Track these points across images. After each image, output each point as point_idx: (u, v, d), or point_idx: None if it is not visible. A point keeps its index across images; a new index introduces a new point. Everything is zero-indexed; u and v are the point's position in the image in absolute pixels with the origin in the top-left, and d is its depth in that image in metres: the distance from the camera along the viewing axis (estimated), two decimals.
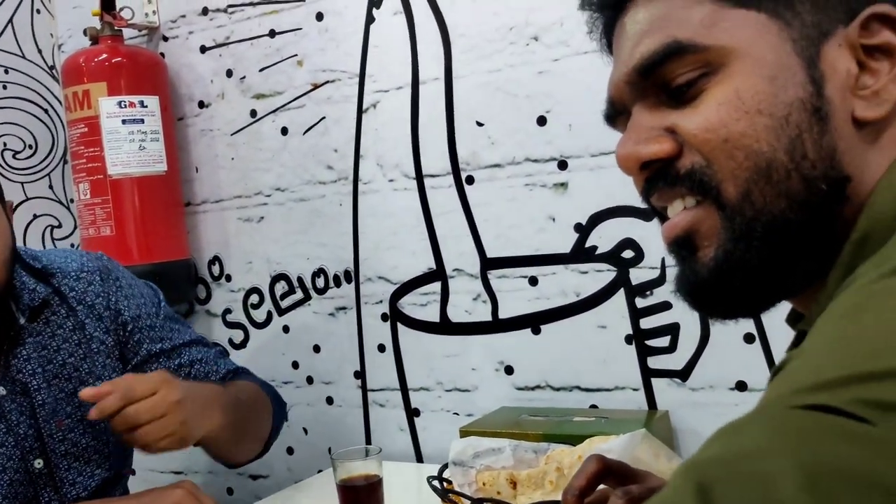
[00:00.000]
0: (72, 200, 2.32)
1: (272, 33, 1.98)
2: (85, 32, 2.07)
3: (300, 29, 1.94)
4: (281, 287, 2.04)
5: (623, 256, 1.62)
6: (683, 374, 1.58)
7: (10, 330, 1.35)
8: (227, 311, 2.14)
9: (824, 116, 0.60)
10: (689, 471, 0.42)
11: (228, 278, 2.12)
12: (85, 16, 2.19)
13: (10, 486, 1.31)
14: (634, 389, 1.63)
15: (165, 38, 2.15)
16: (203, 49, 2.09)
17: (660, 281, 1.58)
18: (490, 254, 1.75)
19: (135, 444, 1.26)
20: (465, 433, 1.54)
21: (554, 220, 1.68)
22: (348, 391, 1.98)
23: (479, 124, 1.74)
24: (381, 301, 1.90)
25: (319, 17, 1.91)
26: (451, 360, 1.82)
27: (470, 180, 1.76)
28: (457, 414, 1.83)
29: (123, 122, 1.98)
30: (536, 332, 1.72)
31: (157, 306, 1.53)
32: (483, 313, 1.77)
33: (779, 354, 1.49)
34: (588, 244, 1.64)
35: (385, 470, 1.42)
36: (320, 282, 1.98)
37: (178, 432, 1.26)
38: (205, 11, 2.08)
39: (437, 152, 1.79)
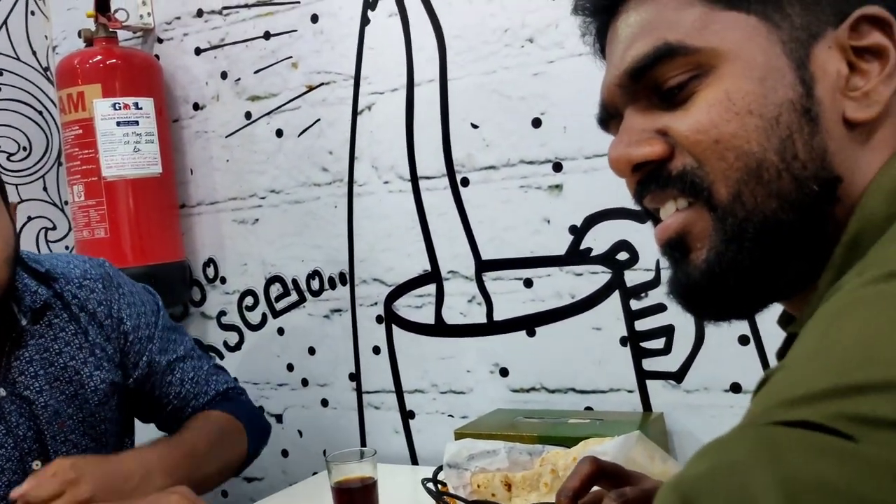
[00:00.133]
0: (66, 202, 2.32)
1: (267, 35, 1.98)
2: (79, 34, 2.07)
3: (295, 31, 1.94)
4: (276, 289, 2.04)
5: (618, 258, 1.62)
6: (678, 375, 1.58)
7: (12, 332, 1.35)
8: (222, 313, 2.13)
9: (814, 117, 0.60)
10: (674, 487, 0.42)
11: (223, 280, 2.12)
12: (79, 17, 2.19)
13: (7, 487, 1.31)
14: (629, 391, 1.63)
15: (160, 40, 2.15)
16: (198, 51, 2.09)
17: (654, 283, 1.59)
18: (485, 256, 1.75)
19: None
20: (459, 435, 1.54)
21: (549, 221, 1.68)
22: (343, 393, 1.97)
23: (474, 126, 1.74)
24: (375, 303, 1.90)
25: (314, 18, 1.91)
26: (445, 362, 1.82)
27: (465, 182, 1.76)
28: (451, 416, 1.83)
29: (118, 123, 1.97)
30: (531, 334, 1.72)
31: (157, 314, 1.53)
32: (478, 315, 1.77)
33: (773, 356, 1.49)
34: (583, 246, 1.64)
35: (380, 472, 1.42)
36: (315, 284, 1.98)
37: None
38: (199, 13, 2.08)
39: (431, 154, 1.79)
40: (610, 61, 0.69)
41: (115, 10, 2.07)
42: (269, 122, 2.00)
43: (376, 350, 1.91)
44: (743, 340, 1.51)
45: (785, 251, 0.61)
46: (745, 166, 0.60)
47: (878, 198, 0.57)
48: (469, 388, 1.80)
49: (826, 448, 0.39)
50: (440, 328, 1.82)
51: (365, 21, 1.85)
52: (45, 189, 2.31)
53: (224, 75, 2.06)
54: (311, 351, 2.01)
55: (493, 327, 1.76)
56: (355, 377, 1.95)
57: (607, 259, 1.63)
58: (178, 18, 2.12)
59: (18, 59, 2.30)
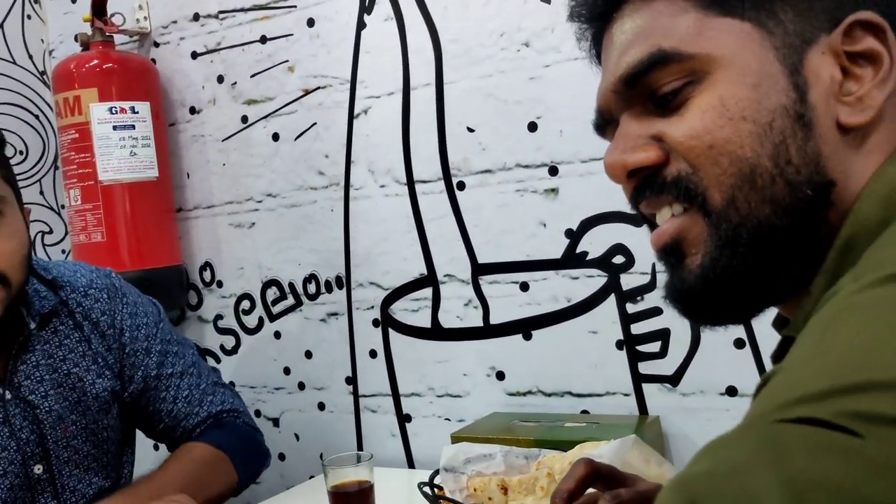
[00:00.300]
0: (63, 206, 2.32)
1: (263, 39, 1.98)
2: (76, 38, 2.07)
3: (291, 35, 1.95)
4: (272, 293, 2.04)
5: (614, 262, 1.62)
6: (674, 379, 1.58)
7: (20, 335, 1.36)
8: (219, 317, 2.13)
9: (808, 122, 0.60)
10: (677, 487, 0.42)
11: (220, 284, 2.12)
12: (76, 22, 2.20)
13: (9, 490, 1.32)
14: (625, 395, 1.63)
15: (157, 44, 2.15)
16: (194, 55, 2.09)
17: (650, 286, 1.59)
18: (481, 259, 1.76)
19: None
20: (456, 439, 1.54)
21: (545, 225, 1.68)
22: (340, 397, 1.97)
23: (470, 130, 1.74)
24: (372, 307, 1.90)
25: (311, 23, 1.92)
26: (442, 365, 1.82)
27: (461, 186, 1.76)
28: (448, 420, 1.83)
29: (114, 127, 1.97)
30: (528, 337, 1.72)
31: (157, 327, 1.52)
32: (474, 319, 1.77)
33: (769, 360, 1.49)
34: (579, 250, 1.65)
35: (376, 476, 1.42)
36: (312, 287, 1.98)
37: None
38: (196, 17, 2.08)
39: (428, 158, 1.79)
40: (605, 67, 0.69)
41: (112, 15, 2.07)
42: (266, 125, 2.00)
43: (373, 354, 1.91)
44: (738, 344, 1.51)
45: (779, 256, 0.61)
46: (739, 171, 0.61)
47: (872, 202, 0.58)
48: (465, 391, 1.80)
49: (831, 445, 0.39)
50: (437, 332, 1.82)
51: (361, 25, 1.85)
52: (41, 193, 2.31)
53: (220, 79, 2.06)
54: (308, 354, 2.01)
55: (489, 331, 1.76)
56: (352, 381, 1.95)
57: (603, 263, 1.63)
58: (175, 22, 2.12)
59: (15, 62, 2.30)
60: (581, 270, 1.65)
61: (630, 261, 1.60)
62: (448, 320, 1.81)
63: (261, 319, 2.07)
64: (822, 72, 0.61)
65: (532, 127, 1.67)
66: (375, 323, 1.90)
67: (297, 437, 2.04)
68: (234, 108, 2.04)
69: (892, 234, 0.53)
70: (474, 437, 1.52)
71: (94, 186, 1.97)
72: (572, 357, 1.67)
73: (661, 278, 1.54)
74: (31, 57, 2.34)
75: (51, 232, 2.32)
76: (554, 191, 1.66)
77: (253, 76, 2.01)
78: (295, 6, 1.93)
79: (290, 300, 2.02)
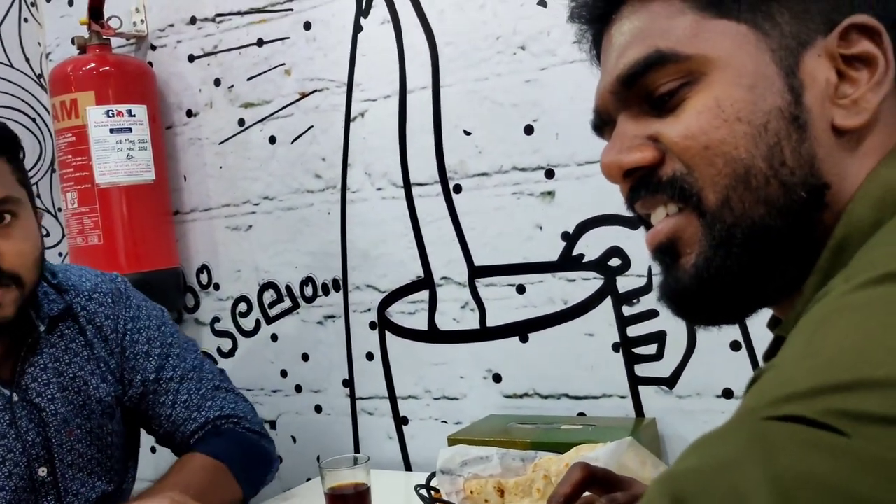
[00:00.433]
0: (59, 209, 2.32)
1: (260, 42, 1.99)
2: (73, 41, 2.07)
3: (288, 38, 1.95)
4: (269, 295, 2.04)
5: (610, 265, 1.62)
6: (670, 381, 1.59)
7: (29, 338, 1.37)
8: (216, 319, 2.13)
9: (803, 125, 0.61)
10: (665, 482, 0.42)
11: (217, 287, 2.12)
12: (73, 25, 2.19)
13: (14, 492, 1.32)
14: (622, 397, 1.63)
15: (153, 47, 2.15)
16: (191, 58, 2.10)
17: (646, 289, 1.59)
18: (478, 262, 1.76)
19: None
20: (452, 441, 1.54)
21: (541, 228, 1.68)
22: (337, 399, 1.98)
23: (467, 133, 1.74)
24: (369, 309, 1.90)
25: (307, 26, 1.92)
26: (439, 368, 1.83)
27: (457, 189, 1.76)
28: (445, 422, 1.83)
29: (111, 131, 1.98)
30: (524, 340, 1.72)
31: (160, 331, 1.52)
32: (471, 321, 1.78)
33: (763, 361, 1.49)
34: (575, 252, 1.65)
35: (373, 478, 1.42)
36: (308, 290, 1.98)
37: None
38: (193, 20, 2.08)
39: (424, 161, 1.80)
40: (604, 68, 0.70)
41: (109, 18, 2.07)
42: (263, 128, 2.00)
43: (370, 356, 1.92)
44: (734, 346, 1.52)
45: (773, 256, 0.62)
46: (734, 172, 0.61)
47: (865, 204, 0.58)
48: (462, 393, 1.80)
49: (818, 443, 0.39)
50: (433, 334, 1.82)
51: (358, 28, 1.85)
52: (38, 196, 2.31)
53: (217, 82, 2.06)
54: (305, 357, 2.01)
55: (486, 333, 1.76)
56: (349, 383, 1.95)
57: (599, 265, 1.63)
58: (172, 26, 2.12)
59: (11, 66, 2.30)
60: (577, 273, 1.65)
61: (626, 263, 1.61)
62: (445, 323, 1.81)
63: (257, 322, 2.07)
64: (818, 74, 0.62)
65: (528, 130, 1.68)
66: (372, 325, 1.90)
67: (293, 439, 2.04)
68: (231, 111, 2.05)
69: (883, 234, 0.54)
70: (471, 439, 1.52)
71: (90, 189, 1.97)
72: (569, 359, 1.67)
73: (657, 280, 1.55)
74: (27, 60, 2.34)
75: (48, 235, 2.32)
76: (550, 193, 1.67)
77: (250, 79, 2.01)
78: (291, 9, 1.94)
79: (287, 303, 2.02)
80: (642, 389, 1.62)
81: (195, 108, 2.10)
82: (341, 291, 1.94)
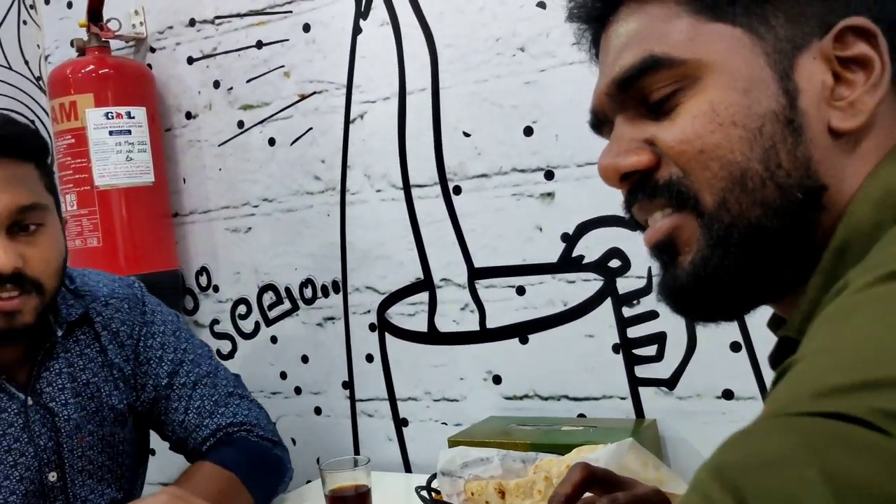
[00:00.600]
0: None
1: (259, 44, 1.99)
2: (72, 44, 2.07)
3: (287, 40, 1.95)
4: (269, 297, 2.04)
5: (610, 266, 1.62)
6: (670, 382, 1.59)
7: (46, 342, 1.37)
8: (215, 321, 2.13)
9: (798, 128, 0.61)
10: (717, 474, 0.42)
11: (216, 289, 2.12)
12: (72, 27, 2.19)
13: (24, 496, 1.32)
14: (622, 398, 1.63)
15: (153, 50, 2.15)
16: (190, 60, 2.10)
17: (646, 290, 1.59)
18: (477, 263, 1.76)
19: None
20: (453, 443, 1.54)
21: (541, 229, 1.68)
22: (336, 401, 1.97)
23: (466, 135, 1.74)
24: (368, 311, 1.90)
25: (306, 28, 1.92)
26: (438, 369, 1.83)
27: (457, 190, 1.76)
28: (445, 424, 1.83)
29: (110, 133, 1.98)
30: (524, 341, 1.72)
31: (174, 336, 1.51)
32: (471, 323, 1.78)
33: (765, 363, 1.49)
34: (575, 254, 1.65)
35: (373, 480, 1.42)
36: (308, 292, 1.98)
37: None
38: (192, 23, 2.08)
39: (424, 162, 1.80)
40: (601, 70, 0.70)
41: (108, 20, 2.07)
42: (262, 130, 2.00)
43: (369, 358, 1.91)
44: (735, 347, 1.52)
45: (770, 256, 0.62)
46: (730, 175, 0.61)
47: (866, 205, 0.58)
48: (462, 395, 1.80)
49: (863, 443, 0.39)
50: (433, 336, 1.82)
51: (357, 30, 1.85)
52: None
53: (216, 84, 2.06)
54: (305, 359, 2.01)
55: (486, 335, 1.76)
56: (348, 385, 1.95)
57: (599, 266, 1.63)
58: (171, 28, 2.12)
59: (10, 68, 2.30)
60: (577, 274, 1.65)
61: (626, 265, 1.61)
62: (444, 324, 1.81)
63: (257, 324, 2.07)
64: (814, 77, 0.62)
65: (528, 131, 1.68)
66: (372, 327, 1.90)
67: (293, 441, 2.04)
68: (230, 113, 2.05)
69: None
70: (471, 441, 1.52)
71: (90, 191, 1.97)
72: (569, 361, 1.67)
73: (657, 278, 1.55)
74: (26, 62, 2.34)
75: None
76: (550, 195, 1.67)
77: (249, 81, 2.01)
78: (291, 11, 1.94)
79: (287, 305, 2.02)
80: (642, 391, 1.62)
81: (194, 110, 2.10)
82: (341, 293, 1.93)
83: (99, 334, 1.44)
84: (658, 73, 0.64)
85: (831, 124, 0.61)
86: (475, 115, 1.73)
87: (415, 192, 1.81)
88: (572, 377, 1.68)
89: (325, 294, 1.96)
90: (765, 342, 1.47)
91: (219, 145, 2.07)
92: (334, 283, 1.94)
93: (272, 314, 2.04)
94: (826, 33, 0.62)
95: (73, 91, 1.99)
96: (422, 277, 1.82)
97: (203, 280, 2.14)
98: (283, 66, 1.96)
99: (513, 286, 1.72)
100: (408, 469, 1.90)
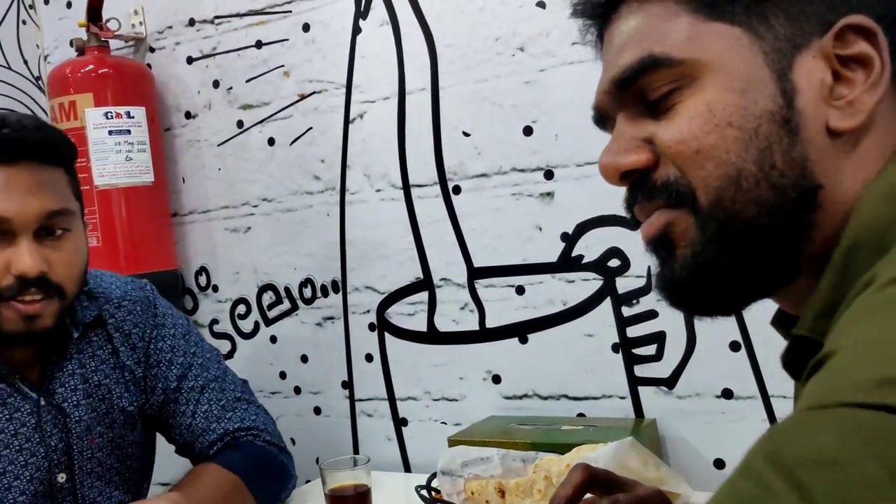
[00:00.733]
0: None
1: (259, 44, 1.99)
2: (71, 43, 2.07)
3: (287, 40, 1.95)
4: (268, 297, 2.04)
5: (609, 265, 1.62)
6: (670, 382, 1.59)
7: (60, 343, 1.37)
8: (214, 321, 2.13)
9: (794, 128, 0.61)
10: (775, 464, 0.42)
11: (215, 289, 2.12)
12: (71, 27, 2.19)
13: (33, 496, 1.31)
14: (621, 398, 1.64)
15: (152, 49, 2.15)
16: (190, 60, 2.10)
17: (646, 290, 1.59)
18: (477, 263, 1.76)
19: None
20: (453, 442, 1.54)
21: (540, 229, 1.68)
22: (336, 401, 1.98)
23: (466, 134, 1.74)
24: (368, 311, 1.90)
25: (306, 28, 1.92)
26: (438, 369, 1.83)
27: (457, 190, 1.77)
28: (444, 423, 1.83)
29: (110, 132, 1.98)
30: (524, 341, 1.72)
31: (184, 339, 1.51)
32: (470, 322, 1.78)
33: (764, 362, 1.49)
34: (574, 253, 1.65)
35: (373, 480, 1.42)
36: (307, 292, 1.98)
37: None
38: (192, 22, 2.08)
39: (423, 162, 1.80)
40: (604, 67, 0.71)
41: (107, 20, 2.07)
42: (261, 130, 2.00)
43: (369, 358, 1.92)
44: (734, 346, 1.52)
45: (763, 254, 0.63)
46: (725, 175, 0.62)
47: (877, 203, 0.58)
48: (462, 395, 1.81)
49: None
50: (433, 335, 1.82)
51: (356, 30, 1.86)
52: None
53: (216, 84, 2.06)
54: (304, 359, 2.01)
55: (485, 334, 1.76)
56: (348, 385, 1.95)
57: (599, 266, 1.63)
58: (170, 28, 2.12)
59: (10, 68, 2.30)
60: (577, 274, 1.66)
61: (625, 264, 1.61)
62: (444, 324, 1.81)
63: (256, 324, 2.07)
64: (813, 76, 0.62)
65: (527, 131, 1.68)
66: (371, 327, 1.90)
67: (293, 441, 2.04)
68: (230, 113, 2.05)
69: None
70: (471, 440, 1.52)
71: (89, 191, 1.97)
72: (568, 360, 1.68)
73: (655, 274, 1.55)
74: (26, 62, 2.34)
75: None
76: (549, 195, 1.67)
77: (248, 81, 2.01)
78: (290, 11, 1.94)
79: (286, 304, 2.02)
80: (642, 390, 1.62)
81: (194, 109, 2.10)
82: (340, 293, 1.94)
83: (111, 336, 1.44)
84: (656, 73, 0.65)
85: (829, 124, 0.61)
86: (475, 115, 1.73)
87: (414, 191, 1.81)
88: (572, 377, 1.68)
89: (325, 294, 1.96)
90: (764, 342, 1.48)
91: (218, 145, 2.07)
92: (334, 282, 1.94)
93: (272, 314, 2.05)
94: (826, 32, 0.62)
95: (72, 91, 1.99)
96: (421, 277, 1.82)
97: (202, 280, 2.14)
98: (282, 66, 1.96)
99: (512, 286, 1.72)
100: (407, 469, 1.90)
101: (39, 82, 2.35)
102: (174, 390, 1.48)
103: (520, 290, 1.71)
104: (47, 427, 1.34)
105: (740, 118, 0.62)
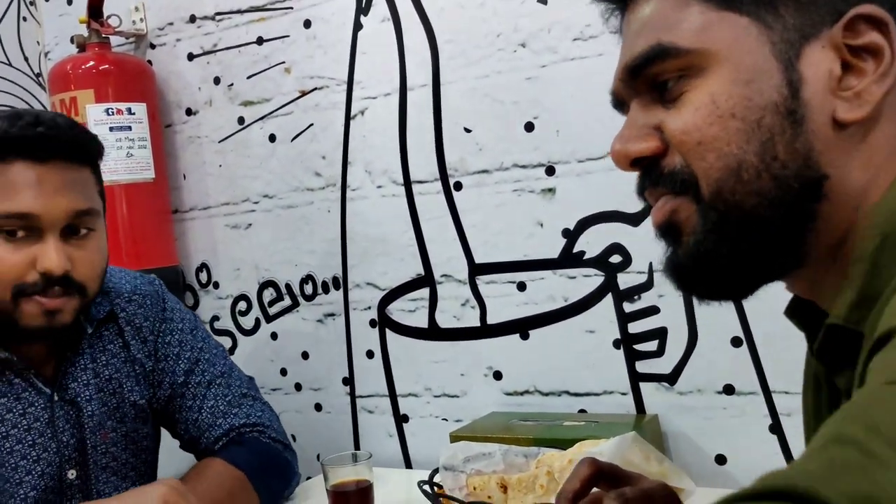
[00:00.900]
0: None
1: (260, 41, 1.99)
2: (72, 40, 2.07)
3: (288, 36, 1.95)
4: (269, 294, 2.04)
5: (610, 261, 1.62)
6: (671, 377, 1.59)
7: (74, 338, 1.37)
8: (215, 318, 2.13)
9: (799, 119, 0.62)
10: (876, 433, 0.42)
11: (216, 285, 2.12)
12: (72, 23, 2.19)
13: (43, 492, 1.31)
14: (623, 394, 1.64)
15: (153, 46, 2.15)
16: (191, 56, 2.09)
17: (647, 285, 1.59)
18: (478, 259, 1.76)
19: None
20: (455, 438, 1.54)
21: (542, 225, 1.68)
22: (337, 398, 1.98)
23: (467, 130, 1.74)
24: (369, 307, 1.90)
25: (307, 24, 1.92)
26: (439, 365, 1.83)
27: (458, 186, 1.77)
28: (445, 419, 1.83)
29: (111, 129, 1.97)
30: (525, 337, 1.72)
31: (191, 334, 1.51)
32: (471, 319, 1.78)
33: (766, 357, 1.50)
34: (576, 249, 1.65)
35: (374, 476, 1.42)
36: (308, 288, 1.98)
37: None
38: (192, 19, 2.08)
39: (424, 158, 1.80)
40: (621, 53, 0.72)
41: (108, 16, 2.07)
42: (262, 126, 2.00)
43: (370, 354, 1.92)
44: (735, 342, 1.52)
45: (765, 243, 0.64)
46: (726, 166, 0.63)
47: None
48: (463, 391, 1.81)
49: None
50: (434, 332, 1.83)
51: (357, 26, 1.85)
52: None
53: (217, 80, 2.06)
54: (305, 355, 2.01)
55: (486, 331, 1.76)
56: (349, 381, 1.95)
57: (600, 262, 1.63)
58: (171, 24, 2.12)
59: (10, 64, 2.30)
60: (578, 270, 1.66)
61: (627, 260, 1.61)
62: (445, 320, 1.81)
63: (257, 320, 2.07)
64: (821, 66, 0.62)
65: (529, 127, 1.68)
66: (372, 323, 1.90)
67: (294, 437, 2.04)
68: (231, 110, 2.04)
69: None
70: (474, 436, 1.52)
71: None
72: (570, 356, 1.68)
73: (658, 277, 1.55)
74: (26, 59, 2.33)
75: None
76: (551, 190, 1.67)
77: (249, 77, 2.01)
78: (291, 7, 1.94)
79: (287, 301, 2.02)
80: (643, 386, 1.62)
81: (195, 106, 2.10)
82: (341, 289, 1.94)
83: (122, 329, 1.44)
84: (665, 62, 0.65)
85: (836, 115, 0.62)
86: (476, 111, 1.73)
87: (415, 187, 1.81)
88: (573, 373, 1.68)
89: (326, 290, 1.96)
90: (765, 337, 1.48)
91: (219, 141, 2.07)
92: (335, 279, 1.94)
93: (272, 310, 2.05)
94: (837, 21, 0.62)
95: (73, 87, 1.99)
96: (422, 273, 1.82)
97: (203, 276, 2.14)
98: (283, 63, 1.96)
99: (513, 282, 1.72)
100: (408, 465, 1.90)
101: (40, 79, 2.34)
102: (181, 385, 1.48)
103: (521, 287, 1.72)
104: (60, 422, 1.34)
105: (744, 109, 0.62)
